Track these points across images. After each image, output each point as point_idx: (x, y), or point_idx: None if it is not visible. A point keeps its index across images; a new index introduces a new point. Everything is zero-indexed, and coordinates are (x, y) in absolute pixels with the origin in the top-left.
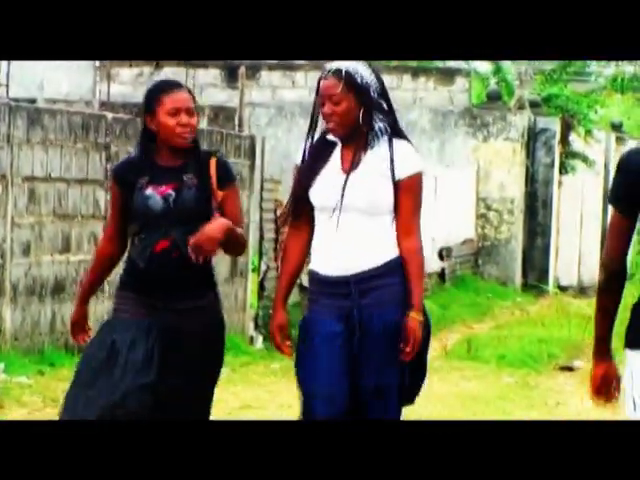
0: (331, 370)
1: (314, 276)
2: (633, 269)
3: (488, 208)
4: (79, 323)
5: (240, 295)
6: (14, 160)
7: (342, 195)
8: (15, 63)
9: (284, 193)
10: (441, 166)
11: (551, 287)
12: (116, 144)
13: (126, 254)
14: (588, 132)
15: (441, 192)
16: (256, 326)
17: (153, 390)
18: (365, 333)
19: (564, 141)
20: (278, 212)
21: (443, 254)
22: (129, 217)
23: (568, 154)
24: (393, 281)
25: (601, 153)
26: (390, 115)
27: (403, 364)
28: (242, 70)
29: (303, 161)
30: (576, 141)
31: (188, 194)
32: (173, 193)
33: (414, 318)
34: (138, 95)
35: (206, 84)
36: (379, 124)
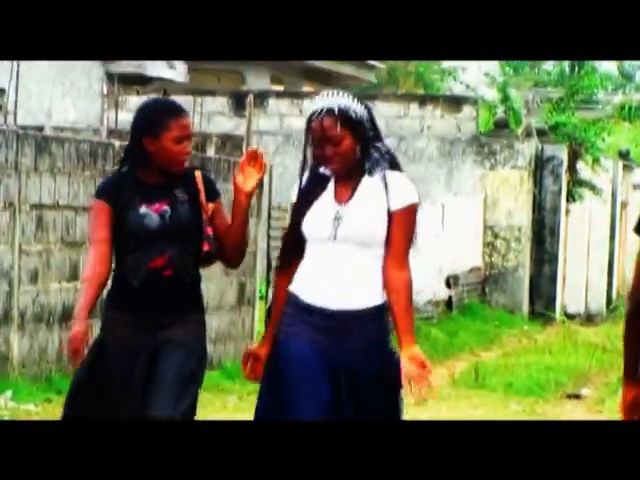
0: (308, 394)
1: (294, 300)
2: None
3: (495, 236)
4: (82, 346)
5: (247, 323)
6: (22, 188)
7: (337, 226)
8: (22, 91)
9: None
10: (448, 194)
11: (558, 315)
12: None
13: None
14: (595, 160)
15: (448, 220)
16: None
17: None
18: (351, 375)
19: (571, 169)
20: None
21: (450, 282)
22: (118, 236)
23: (575, 182)
24: (379, 326)
25: (608, 181)
26: (382, 141)
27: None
28: (250, 98)
29: (298, 197)
30: (583, 169)
31: (182, 209)
32: (168, 209)
33: (413, 350)
34: None
35: (213, 112)
36: (375, 155)
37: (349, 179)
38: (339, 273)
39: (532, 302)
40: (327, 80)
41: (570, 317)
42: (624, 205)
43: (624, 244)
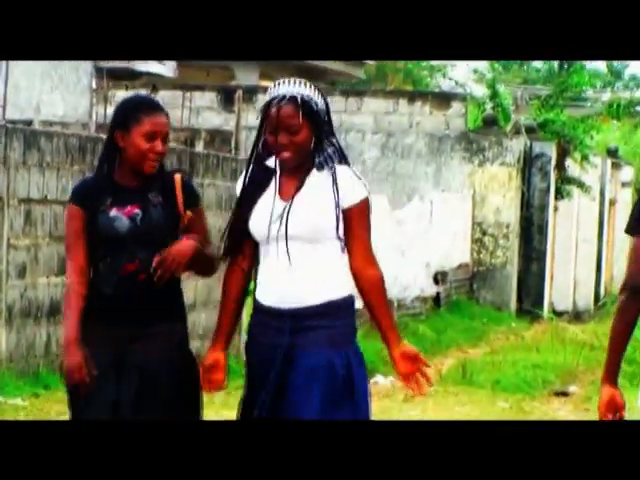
0: (260, 394)
1: (256, 304)
2: None
3: (483, 233)
4: (84, 376)
5: None
6: (10, 182)
7: (282, 224)
8: (11, 85)
9: None
10: (437, 190)
11: (546, 312)
12: None
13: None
14: (584, 157)
15: (437, 216)
16: None
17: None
18: (290, 372)
19: (560, 166)
20: None
21: (438, 278)
22: (90, 241)
23: (564, 179)
24: (332, 324)
25: (597, 179)
26: (335, 137)
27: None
28: (239, 93)
29: (243, 190)
30: (572, 166)
31: (155, 212)
32: (140, 212)
33: (403, 347)
34: None
35: (202, 107)
36: (328, 150)
37: (295, 174)
38: (291, 272)
39: (520, 299)
40: (316, 76)
41: (558, 314)
42: (612, 203)
43: (612, 242)
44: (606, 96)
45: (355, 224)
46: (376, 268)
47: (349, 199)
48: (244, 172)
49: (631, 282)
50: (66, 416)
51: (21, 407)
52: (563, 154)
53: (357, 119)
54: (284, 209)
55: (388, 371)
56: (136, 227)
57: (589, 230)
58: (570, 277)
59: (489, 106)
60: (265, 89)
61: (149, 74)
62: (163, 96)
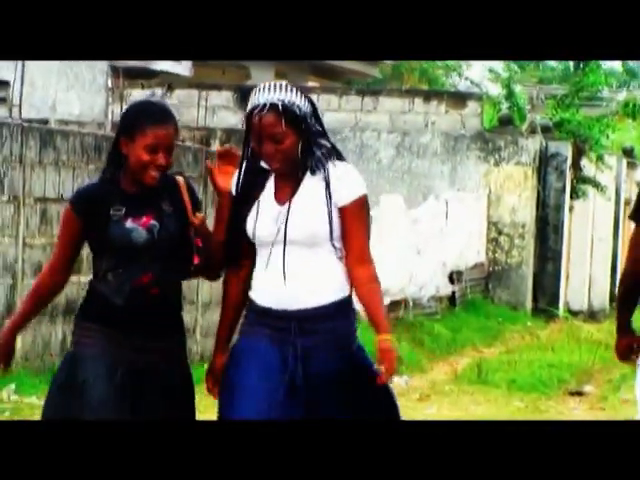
0: (266, 401)
1: (252, 304)
2: None
3: (499, 232)
4: (7, 357)
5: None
6: (26, 181)
7: (280, 228)
8: (27, 84)
9: None
10: (452, 190)
11: (561, 312)
12: None
13: (85, 287)
14: (599, 157)
15: (452, 216)
16: None
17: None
18: (306, 377)
19: (575, 166)
20: None
21: (454, 278)
22: (98, 250)
23: (579, 179)
24: (338, 324)
25: (612, 178)
26: (326, 136)
27: (352, 406)
28: None
29: (237, 192)
30: (587, 166)
31: (170, 223)
32: (156, 224)
33: (384, 339)
34: None
35: (218, 106)
36: (318, 152)
37: (290, 177)
38: (289, 274)
39: (535, 299)
40: (331, 75)
41: (573, 314)
42: (628, 202)
43: (627, 241)
44: (622, 96)
45: (350, 222)
46: (368, 266)
47: (344, 198)
48: (237, 176)
49: (632, 268)
50: None
51: (37, 405)
52: (579, 154)
53: (373, 118)
54: (280, 213)
55: (403, 370)
56: (153, 239)
57: (604, 230)
58: (585, 277)
59: (505, 105)
60: None
61: (165, 73)
62: (179, 95)
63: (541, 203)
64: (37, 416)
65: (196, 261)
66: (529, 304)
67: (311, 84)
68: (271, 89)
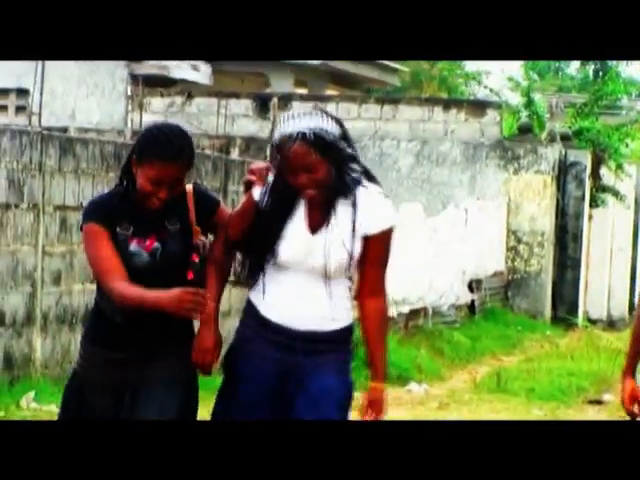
0: (256, 406)
1: (256, 312)
2: None
3: (518, 241)
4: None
5: None
6: (46, 189)
7: (309, 258)
8: (47, 91)
9: None
10: (472, 198)
11: (580, 320)
12: None
13: (92, 304)
14: (619, 166)
15: (471, 224)
16: None
17: None
18: (301, 392)
19: (595, 174)
20: None
21: (473, 286)
22: None
23: (599, 188)
24: (341, 350)
25: (632, 187)
26: (356, 159)
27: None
28: (274, 101)
29: (263, 208)
30: (607, 175)
31: (173, 244)
32: (159, 246)
33: (378, 388)
34: None
35: (238, 115)
36: (349, 177)
37: (322, 204)
38: (310, 297)
39: (554, 307)
40: (351, 83)
41: (592, 322)
42: None
43: None
44: None
45: (373, 252)
46: (381, 298)
47: (373, 227)
48: (264, 191)
49: None
50: None
51: (56, 413)
52: (598, 162)
53: (392, 127)
54: (311, 243)
55: (422, 378)
56: (155, 262)
57: (624, 238)
58: (605, 285)
59: (524, 114)
60: (300, 96)
61: (184, 81)
62: (198, 103)
63: (560, 211)
64: None
65: (190, 277)
66: (548, 313)
67: (330, 92)
68: (299, 117)
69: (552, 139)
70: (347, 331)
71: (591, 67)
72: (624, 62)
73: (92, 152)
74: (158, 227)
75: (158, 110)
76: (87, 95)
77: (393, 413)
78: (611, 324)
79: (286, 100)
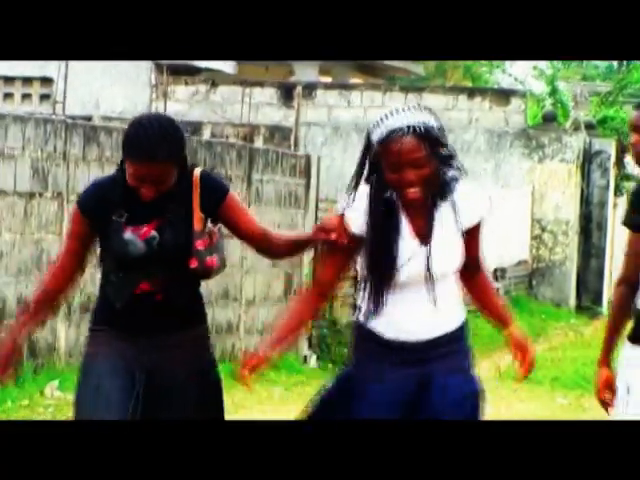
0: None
1: (373, 337)
2: None
3: (543, 229)
4: (12, 354)
5: None
6: (70, 178)
7: (423, 268)
8: (71, 80)
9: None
10: (496, 187)
11: (605, 309)
12: None
13: (98, 286)
14: None
15: (496, 212)
16: (310, 345)
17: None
18: (437, 401)
19: (619, 163)
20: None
21: (497, 275)
22: (103, 251)
23: (623, 176)
24: (460, 347)
25: None
26: (455, 157)
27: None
28: (298, 89)
29: (372, 232)
30: (631, 163)
31: (172, 233)
32: (156, 235)
33: (515, 330)
34: (194, 113)
35: (262, 103)
36: (449, 174)
37: (422, 206)
38: (422, 306)
39: (579, 296)
40: (375, 72)
41: None
42: None
43: None
44: None
45: (470, 241)
46: (483, 272)
47: (468, 221)
48: (365, 213)
49: (625, 274)
50: None
51: None
52: (622, 151)
53: None
54: (421, 251)
55: None
56: (152, 251)
57: None
58: None
59: (548, 102)
60: (325, 85)
61: (209, 70)
62: (222, 92)
63: (585, 200)
64: None
65: (193, 265)
66: (573, 301)
67: (354, 81)
68: (405, 112)
69: (576, 128)
70: (464, 326)
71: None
72: None
73: (116, 141)
74: (156, 215)
75: (182, 99)
76: (111, 84)
77: None
78: (635, 312)
79: (310, 89)
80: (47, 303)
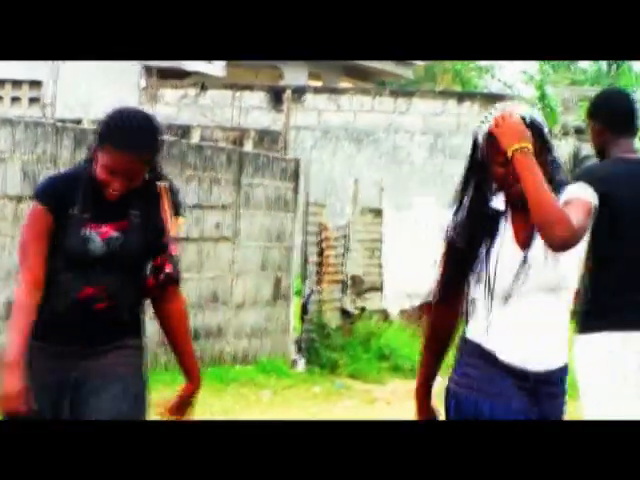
0: None
1: (490, 356)
2: None
3: None
4: (20, 395)
5: (282, 318)
6: None
7: (526, 276)
8: (60, 83)
9: (328, 216)
10: None
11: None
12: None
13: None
14: None
15: None
16: (298, 349)
17: None
18: None
19: None
20: (323, 235)
21: None
22: (53, 248)
23: None
24: (564, 390)
25: None
26: (556, 158)
27: None
28: (288, 93)
29: (464, 242)
30: None
31: (132, 237)
32: (116, 236)
33: None
34: (183, 117)
35: (252, 107)
36: (558, 176)
37: (525, 210)
38: (533, 328)
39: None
40: (364, 76)
41: None
42: None
43: None
44: None
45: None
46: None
47: None
48: (461, 224)
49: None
50: None
51: None
52: None
53: (406, 120)
54: (524, 257)
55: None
56: (109, 252)
57: None
58: None
59: (537, 107)
60: (314, 89)
61: (198, 73)
62: (212, 95)
63: None
64: None
65: (168, 269)
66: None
67: (344, 85)
68: (514, 105)
69: (566, 133)
70: (567, 366)
71: (604, 61)
72: None
73: None
74: (120, 217)
75: (171, 102)
76: (100, 87)
77: (409, 406)
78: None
79: (300, 93)
80: (30, 319)
